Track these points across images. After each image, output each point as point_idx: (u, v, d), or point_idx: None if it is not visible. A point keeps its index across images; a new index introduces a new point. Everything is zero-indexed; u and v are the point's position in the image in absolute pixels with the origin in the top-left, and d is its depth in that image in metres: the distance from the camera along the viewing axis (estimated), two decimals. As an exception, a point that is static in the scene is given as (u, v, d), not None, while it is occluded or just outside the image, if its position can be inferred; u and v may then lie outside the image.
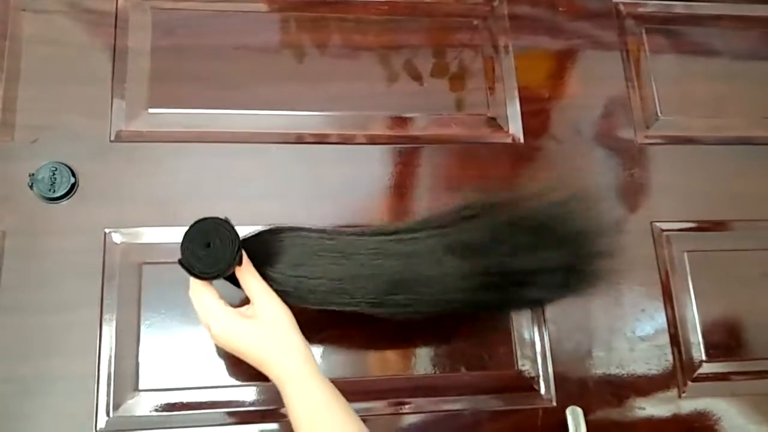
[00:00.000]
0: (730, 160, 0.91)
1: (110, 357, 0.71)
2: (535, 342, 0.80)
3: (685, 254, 0.86)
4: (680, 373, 0.81)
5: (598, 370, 0.80)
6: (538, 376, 0.79)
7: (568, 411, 0.75)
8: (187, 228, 0.60)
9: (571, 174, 0.88)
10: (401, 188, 0.84)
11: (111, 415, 0.70)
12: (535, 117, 0.89)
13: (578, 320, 0.82)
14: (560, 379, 0.79)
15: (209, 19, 0.85)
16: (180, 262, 0.59)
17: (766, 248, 0.88)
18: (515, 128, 0.88)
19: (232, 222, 0.60)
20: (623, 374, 0.81)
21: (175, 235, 0.74)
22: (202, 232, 0.59)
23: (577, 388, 0.79)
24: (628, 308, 0.83)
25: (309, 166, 0.82)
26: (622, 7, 0.96)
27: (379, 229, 0.70)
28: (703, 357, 0.82)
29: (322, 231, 0.67)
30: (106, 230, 0.75)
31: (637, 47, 0.95)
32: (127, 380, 0.71)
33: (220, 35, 0.84)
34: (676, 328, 0.83)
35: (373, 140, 0.85)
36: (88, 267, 0.74)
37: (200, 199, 0.78)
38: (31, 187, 0.74)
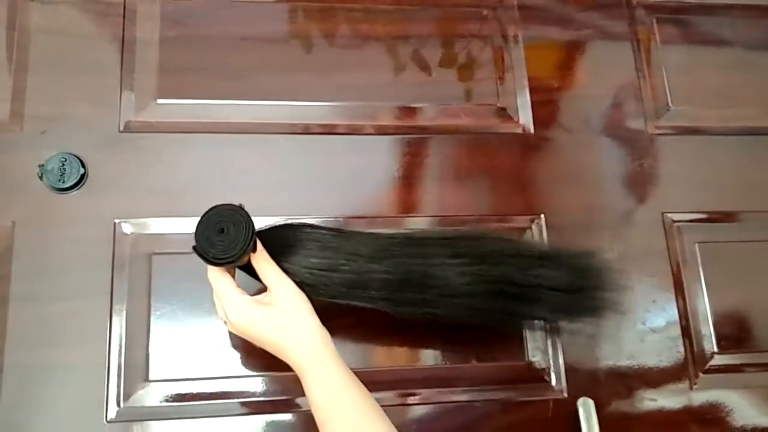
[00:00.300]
0: (741, 151, 0.90)
1: (120, 347, 0.71)
2: (545, 333, 0.79)
3: (697, 245, 0.85)
4: (692, 364, 0.81)
5: (609, 362, 0.80)
6: (549, 368, 0.79)
7: (580, 402, 0.75)
8: (200, 216, 0.60)
9: (581, 165, 0.87)
10: (409, 179, 0.83)
11: (121, 405, 0.70)
12: (545, 107, 0.88)
13: (589, 311, 0.81)
14: (571, 371, 0.79)
15: (217, 9, 0.84)
16: (194, 248, 0.59)
17: (779, 239, 0.87)
18: (525, 118, 0.88)
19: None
20: (634, 366, 0.80)
21: (185, 225, 0.75)
22: (216, 218, 0.59)
23: (587, 379, 0.79)
24: (639, 299, 0.83)
25: (317, 157, 0.82)
26: (632, -3, 0.95)
27: (391, 234, 0.71)
28: (715, 349, 0.82)
29: (337, 230, 0.68)
30: (116, 221, 0.75)
31: (647, 37, 0.94)
32: (137, 370, 0.71)
33: (229, 25, 0.84)
34: (687, 319, 0.82)
35: (381, 131, 0.84)
36: (98, 257, 0.74)
37: (209, 190, 0.78)
38: (40, 177, 0.74)
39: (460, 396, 0.76)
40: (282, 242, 0.63)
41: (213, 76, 0.82)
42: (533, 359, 0.79)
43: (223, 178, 0.79)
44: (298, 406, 0.73)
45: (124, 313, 0.72)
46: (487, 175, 0.85)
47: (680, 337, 0.82)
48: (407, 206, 0.82)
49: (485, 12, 0.91)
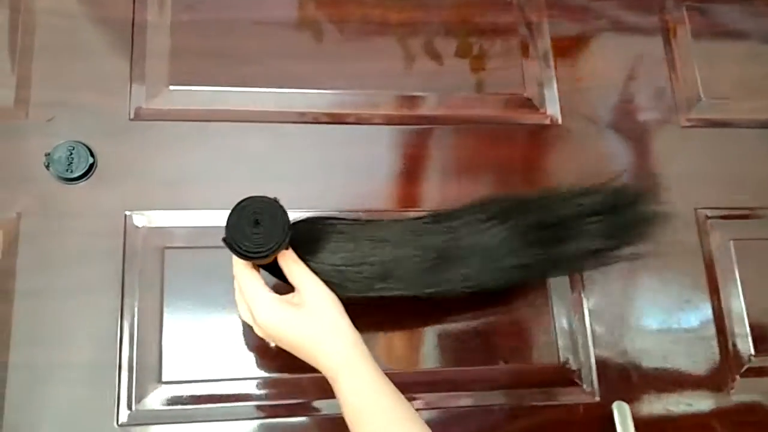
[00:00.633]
0: (778, 144, 0.87)
1: (131, 346, 0.67)
2: (576, 333, 0.76)
3: (731, 242, 0.82)
4: (728, 367, 0.77)
5: (642, 364, 0.76)
6: (581, 370, 0.75)
7: (615, 406, 0.71)
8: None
9: (610, 157, 0.84)
10: (428, 171, 0.80)
11: (133, 408, 0.66)
12: (572, 98, 0.85)
13: (620, 310, 0.78)
14: (603, 373, 0.75)
15: (231, -8, 0.81)
16: (225, 239, 0.55)
17: (817, 236, 0.84)
18: (552, 109, 0.84)
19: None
20: (668, 368, 0.77)
21: (199, 217, 0.72)
22: (251, 209, 0.56)
23: (620, 382, 0.75)
24: (672, 299, 0.79)
25: (337, 147, 0.78)
26: (662, -14, 0.91)
27: (415, 216, 0.67)
28: (752, 351, 0.78)
29: (358, 220, 0.65)
30: (127, 213, 0.71)
31: (678, 27, 0.90)
32: (149, 371, 0.67)
33: (242, 10, 0.80)
34: (722, 320, 0.79)
35: (401, 121, 0.80)
36: (108, 251, 0.70)
37: (224, 181, 0.74)
38: (47, 167, 0.70)
39: (487, 399, 0.73)
40: (306, 239, 0.60)
41: (227, 62, 0.78)
42: (564, 361, 0.75)
43: (239, 168, 0.75)
44: (316, 409, 0.69)
45: (136, 310, 0.69)
46: (511, 167, 0.82)
47: (715, 338, 0.78)
48: (426, 199, 0.78)
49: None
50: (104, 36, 0.77)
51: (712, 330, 0.78)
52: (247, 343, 0.70)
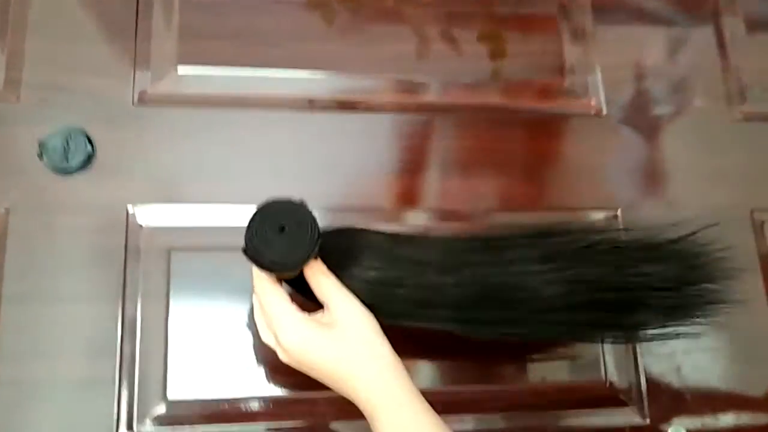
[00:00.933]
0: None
1: (133, 359, 0.60)
2: (625, 349, 0.69)
3: (790, 248, 0.75)
4: (791, 387, 0.70)
5: (696, 384, 0.69)
6: (630, 389, 0.68)
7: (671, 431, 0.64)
8: (255, 209, 0.49)
9: (659, 153, 0.77)
10: (457, 166, 0.72)
11: (135, 429, 0.59)
12: (619, 88, 0.78)
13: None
14: (653, 393, 0.68)
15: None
16: (245, 250, 0.48)
17: None
18: (597, 99, 0.77)
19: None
20: (723, 389, 0.69)
21: (211, 215, 0.65)
22: (273, 214, 0.49)
23: (671, 403, 0.68)
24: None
25: (355, 136, 0.71)
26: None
27: (463, 237, 0.59)
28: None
29: (397, 234, 0.57)
30: (129, 209, 0.64)
31: (731, 13, 0.83)
32: (152, 387, 0.60)
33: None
34: (783, 333, 0.72)
35: (430, 108, 0.73)
36: (108, 252, 0.62)
37: (241, 174, 0.67)
38: (40, 156, 0.63)
39: (524, 420, 0.66)
40: (336, 250, 0.52)
41: (239, 43, 0.70)
42: (612, 379, 0.68)
43: (257, 159, 0.68)
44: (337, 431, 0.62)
45: (138, 318, 0.61)
46: (551, 161, 0.74)
47: (778, 353, 0.71)
48: (459, 196, 0.71)
49: (551, -22, 0.80)
50: (106, 12, 0.69)
51: (771, 345, 0.71)
52: (261, 358, 0.62)
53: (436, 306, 0.53)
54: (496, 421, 0.65)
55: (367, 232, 0.56)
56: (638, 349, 0.69)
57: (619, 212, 0.73)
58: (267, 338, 0.52)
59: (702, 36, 0.82)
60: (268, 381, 0.62)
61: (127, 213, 0.64)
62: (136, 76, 0.67)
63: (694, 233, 0.59)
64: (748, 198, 0.76)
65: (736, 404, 0.69)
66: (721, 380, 0.70)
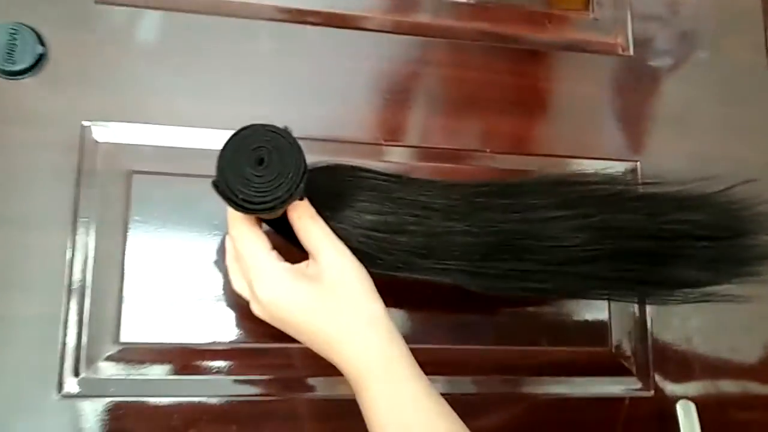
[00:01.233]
0: None
1: (83, 295, 0.53)
2: (634, 315, 0.63)
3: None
4: (808, 364, 0.65)
5: (706, 355, 0.64)
6: (635, 357, 0.62)
7: (679, 405, 0.60)
8: (229, 135, 0.42)
9: (688, 101, 0.69)
10: (459, 102, 0.64)
11: (81, 375, 0.52)
12: (649, 26, 0.70)
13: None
14: (660, 363, 0.63)
15: None
16: (216, 184, 0.41)
17: None
18: (624, 36, 0.69)
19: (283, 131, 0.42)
20: (735, 361, 0.64)
21: (180, 136, 0.56)
22: (250, 142, 0.41)
23: (678, 375, 0.63)
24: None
25: (348, 55, 0.62)
26: None
27: (474, 182, 0.52)
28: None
29: (399, 175, 0.49)
30: (85, 123, 0.55)
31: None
32: (104, 328, 0.53)
33: None
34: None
35: (425, 30, 0.65)
36: (58, 171, 0.54)
37: (215, 90, 0.58)
38: (-20, 53, 0.54)
39: (524, 386, 0.60)
40: (327, 191, 0.45)
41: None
42: (617, 345, 0.62)
43: (236, 76, 0.59)
44: (309, 387, 0.56)
45: (92, 249, 0.54)
46: (568, 103, 0.67)
47: (793, 328, 0.66)
48: (461, 136, 0.64)
49: None
50: None
51: (789, 318, 0.66)
52: (229, 301, 0.55)
53: (442, 256, 0.47)
54: (486, 384, 0.59)
55: (363, 170, 0.48)
56: (647, 314, 0.63)
57: (638, 165, 0.66)
58: (240, 287, 0.45)
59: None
60: (237, 328, 0.56)
61: (82, 127, 0.55)
62: (100, -33, 0.58)
63: (732, 186, 0.52)
64: (778, 155, 0.70)
65: (747, 378, 0.64)
66: (733, 353, 0.64)
